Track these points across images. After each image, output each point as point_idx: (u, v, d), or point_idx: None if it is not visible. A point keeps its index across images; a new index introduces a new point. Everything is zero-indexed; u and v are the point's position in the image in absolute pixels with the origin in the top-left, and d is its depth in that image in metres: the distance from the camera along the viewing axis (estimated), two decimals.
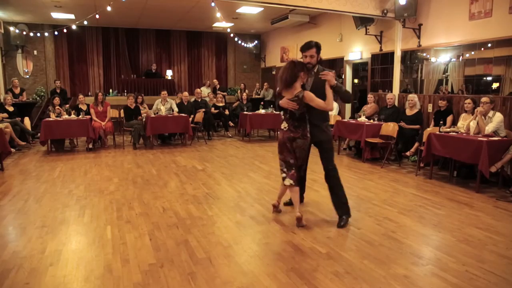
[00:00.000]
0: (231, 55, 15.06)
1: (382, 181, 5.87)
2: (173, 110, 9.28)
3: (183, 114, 9.04)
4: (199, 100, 10.44)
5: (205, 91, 12.33)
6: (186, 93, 10.22)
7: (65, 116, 8.41)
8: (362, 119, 7.75)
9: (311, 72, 3.87)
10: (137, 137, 8.78)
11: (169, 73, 13.83)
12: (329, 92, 3.71)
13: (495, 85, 6.32)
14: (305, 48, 3.86)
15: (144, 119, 8.90)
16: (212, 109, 10.71)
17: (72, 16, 10.91)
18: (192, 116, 9.68)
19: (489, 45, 6.34)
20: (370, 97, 8.67)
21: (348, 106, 10.39)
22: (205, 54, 14.75)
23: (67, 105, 9.39)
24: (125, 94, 12.33)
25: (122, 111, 9.35)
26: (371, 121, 7.57)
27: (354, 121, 7.77)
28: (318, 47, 3.86)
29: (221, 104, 11.05)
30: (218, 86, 13.15)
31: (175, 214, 4.24)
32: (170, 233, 3.70)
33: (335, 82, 3.74)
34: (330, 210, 4.40)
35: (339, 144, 8.34)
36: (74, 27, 10.76)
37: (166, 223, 3.96)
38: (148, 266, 3.03)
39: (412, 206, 4.63)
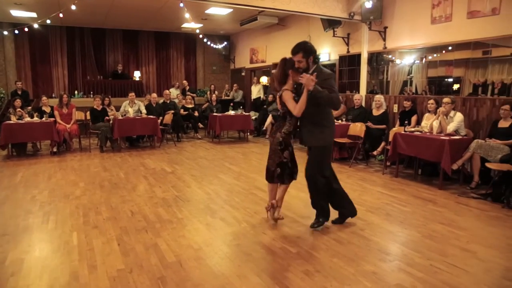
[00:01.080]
0: (200, 56, 14.96)
1: (351, 180, 5.99)
2: (141, 112, 9.12)
3: (151, 116, 8.91)
4: (168, 102, 10.31)
5: (174, 92, 12.17)
6: (154, 95, 10.06)
7: (27, 119, 8.09)
8: None
9: (315, 74, 3.65)
10: (104, 140, 8.56)
11: (137, 74, 13.56)
12: (302, 96, 3.59)
13: (455, 86, 6.60)
14: (292, 52, 3.70)
15: (111, 121, 8.70)
16: (181, 111, 10.60)
17: (34, 15, 10.50)
18: (161, 118, 9.55)
19: (450, 48, 6.61)
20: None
21: None
22: (173, 55, 14.57)
23: (30, 107, 9.03)
24: (91, 95, 11.99)
25: (88, 113, 9.09)
26: (339, 121, 7.71)
27: None
28: (305, 50, 3.62)
29: (190, 106, 10.94)
30: (187, 87, 13.02)
31: (144, 218, 4.17)
32: (139, 237, 3.63)
33: (312, 86, 3.48)
34: (300, 210, 4.46)
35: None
36: (36, 26, 10.38)
37: (134, 227, 3.88)
38: (117, 272, 2.96)
39: (380, 204, 4.75)
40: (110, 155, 8.11)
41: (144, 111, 9.17)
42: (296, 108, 3.64)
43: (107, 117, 8.73)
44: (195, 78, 15.03)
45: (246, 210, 4.46)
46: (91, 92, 12.38)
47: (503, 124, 5.49)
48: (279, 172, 3.84)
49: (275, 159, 3.83)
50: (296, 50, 3.66)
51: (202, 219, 4.14)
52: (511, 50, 5.77)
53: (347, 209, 4.00)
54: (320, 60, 9.97)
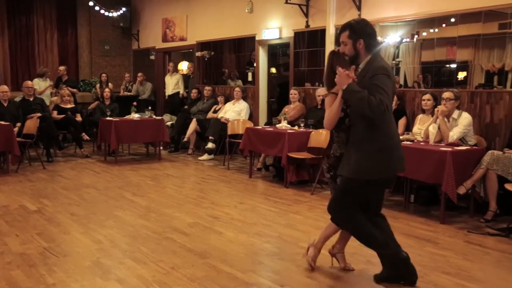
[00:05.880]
0: (84, 29, 14.63)
1: (314, 213, 6.07)
2: None
3: (1, 122, 8.56)
4: (32, 99, 9.97)
5: (40, 84, 11.75)
6: (5, 87, 9.67)
7: None
8: (283, 125, 7.97)
9: (353, 67, 3.77)
10: None
11: None
12: (336, 101, 3.80)
13: (461, 75, 6.95)
14: (339, 31, 3.91)
15: None
16: (55, 113, 10.26)
17: None
18: (18, 124, 9.17)
19: (453, 20, 6.96)
20: (293, 93, 8.96)
21: (263, 108, 10.61)
22: (39, 25, 14.14)
23: None
24: None
25: None
26: (296, 127, 7.81)
27: (271, 129, 7.97)
28: (353, 28, 3.78)
29: (69, 106, 10.64)
30: (65, 77, 12.64)
31: None
32: None
33: (345, 85, 3.64)
34: (240, 261, 4.45)
35: (250, 162, 8.47)
36: None
37: None
38: None
39: (357, 247, 4.77)
40: None
41: None
42: (325, 118, 3.90)
43: None
44: (76, 62, 14.71)
45: (158, 264, 4.37)
46: None
47: None
48: None
49: (331, 191, 4.28)
50: (342, 27, 3.86)
51: (88, 283, 4.00)
52: None
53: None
54: (268, 38, 10.08)
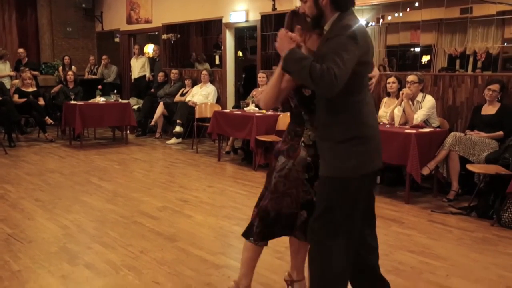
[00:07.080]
0: (44, 10, 14.32)
1: None
2: None
3: None
4: None
5: (0, 67, 11.52)
6: None
7: None
8: (251, 108, 8.02)
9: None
10: None
11: None
12: (275, 73, 2.95)
13: (425, 59, 7.10)
14: None
15: None
16: (16, 97, 10.10)
17: None
18: None
19: (416, 4, 7.08)
20: (262, 77, 8.99)
21: (230, 91, 10.63)
22: None
23: None
24: None
25: None
26: (264, 111, 7.86)
27: (239, 112, 8.02)
28: None
29: (31, 89, 10.46)
30: (25, 60, 12.41)
31: None
32: None
33: (285, 52, 2.65)
34: (209, 243, 4.49)
35: (219, 146, 8.52)
36: None
37: None
38: None
39: None
40: None
41: None
42: (262, 95, 3.14)
43: None
44: (37, 45, 14.43)
45: (127, 249, 4.37)
46: None
47: (487, 110, 5.99)
48: (305, 218, 3.12)
49: (297, 196, 3.17)
50: None
51: (55, 268, 3.97)
52: (497, 7, 6.29)
53: None
54: (235, 21, 10.07)
